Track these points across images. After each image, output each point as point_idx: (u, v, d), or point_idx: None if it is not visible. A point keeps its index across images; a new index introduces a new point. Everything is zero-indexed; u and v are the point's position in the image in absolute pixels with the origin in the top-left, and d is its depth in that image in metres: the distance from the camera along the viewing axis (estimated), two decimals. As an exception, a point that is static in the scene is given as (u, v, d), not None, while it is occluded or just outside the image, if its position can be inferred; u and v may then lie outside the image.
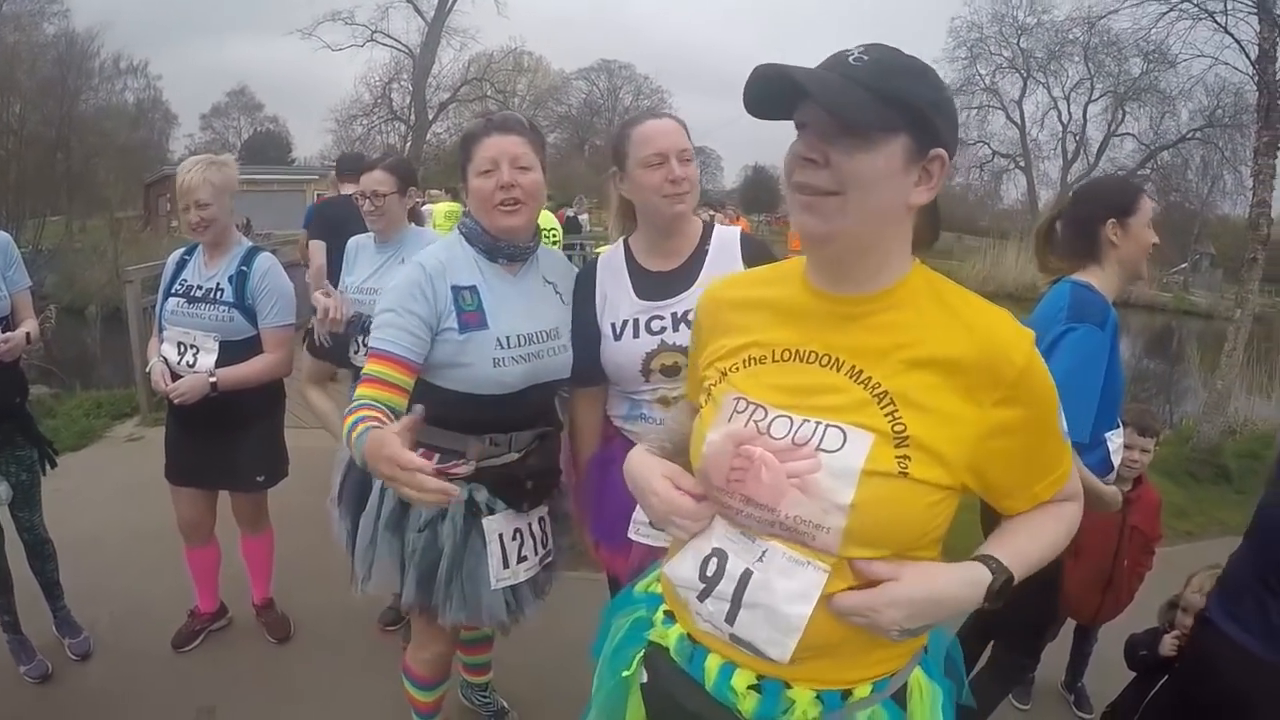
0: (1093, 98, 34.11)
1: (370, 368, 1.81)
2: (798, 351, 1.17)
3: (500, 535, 2.05)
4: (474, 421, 1.96)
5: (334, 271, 3.68)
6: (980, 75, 35.29)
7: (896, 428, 1.06)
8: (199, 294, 2.80)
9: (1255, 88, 7.41)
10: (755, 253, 2.03)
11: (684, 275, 2.00)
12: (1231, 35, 7.88)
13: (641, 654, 1.31)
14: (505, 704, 2.85)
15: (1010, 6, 33.34)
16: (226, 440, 2.88)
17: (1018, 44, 34.02)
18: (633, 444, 2.02)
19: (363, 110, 37.37)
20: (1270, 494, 1.90)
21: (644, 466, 1.28)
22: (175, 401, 2.74)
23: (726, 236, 2.06)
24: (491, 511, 2.04)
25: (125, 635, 3.19)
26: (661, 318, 1.97)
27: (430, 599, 2.06)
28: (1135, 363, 17.61)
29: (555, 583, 2.29)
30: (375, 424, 1.54)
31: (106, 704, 2.85)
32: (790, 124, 1.10)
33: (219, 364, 2.75)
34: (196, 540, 3.10)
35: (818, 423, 1.09)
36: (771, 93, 1.05)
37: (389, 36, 35.58)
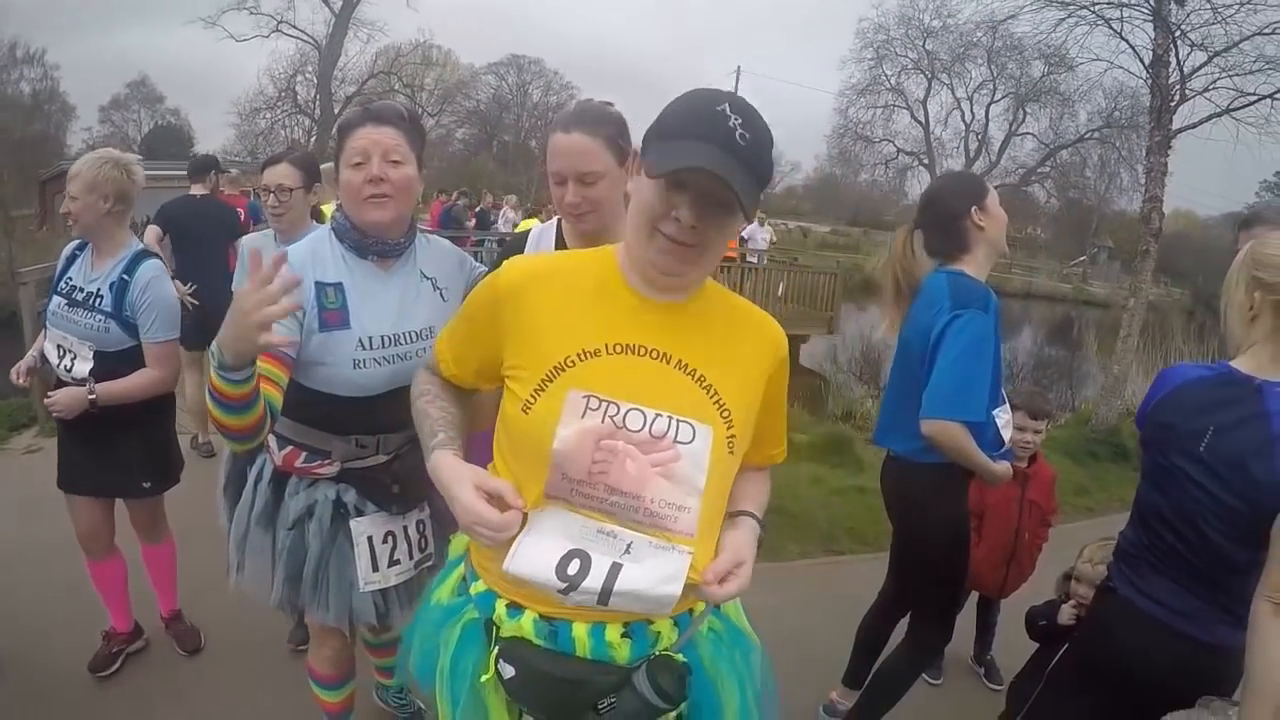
0: (995, 98, 35.27)
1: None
2: (629, 346, 1.29)
3: (369, 538, 2.00)
4: (336, 421, 1.92)
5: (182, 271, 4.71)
6: (886, 75, 36.15)
7: (724, 413, 1.28)
8: (79, 297, 2.64)
9: (1149, 90, 7.80)
10: None
11: None
12: (1127, 41, 8.26)
13: (494, 653, 1.31)
14: (422, 705, 2.79)
15: (916, 10, 34.18)
16: (112, 445, 2.75)
17: (923, 46, 34.86)
18: None
19: (266, 104, 36.25)
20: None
21: (452, 473, 1.28)
22: (53, 414, 2.64)
23: None
24: (360, 513, 1.99)
25: (33, 658, 3.02)
26: None
27: (298, 598, 2.02)
28: (1037, 350, 18.34)
29: None
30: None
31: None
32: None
33: (96, 374, 2.61)
34: (97, 553, 2.93)
35: (670, 417, 1.25)
36: (689, 150, 1.17)
37: (294, 27, 34.67)
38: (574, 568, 1.22)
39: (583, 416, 1.23)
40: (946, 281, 2.34)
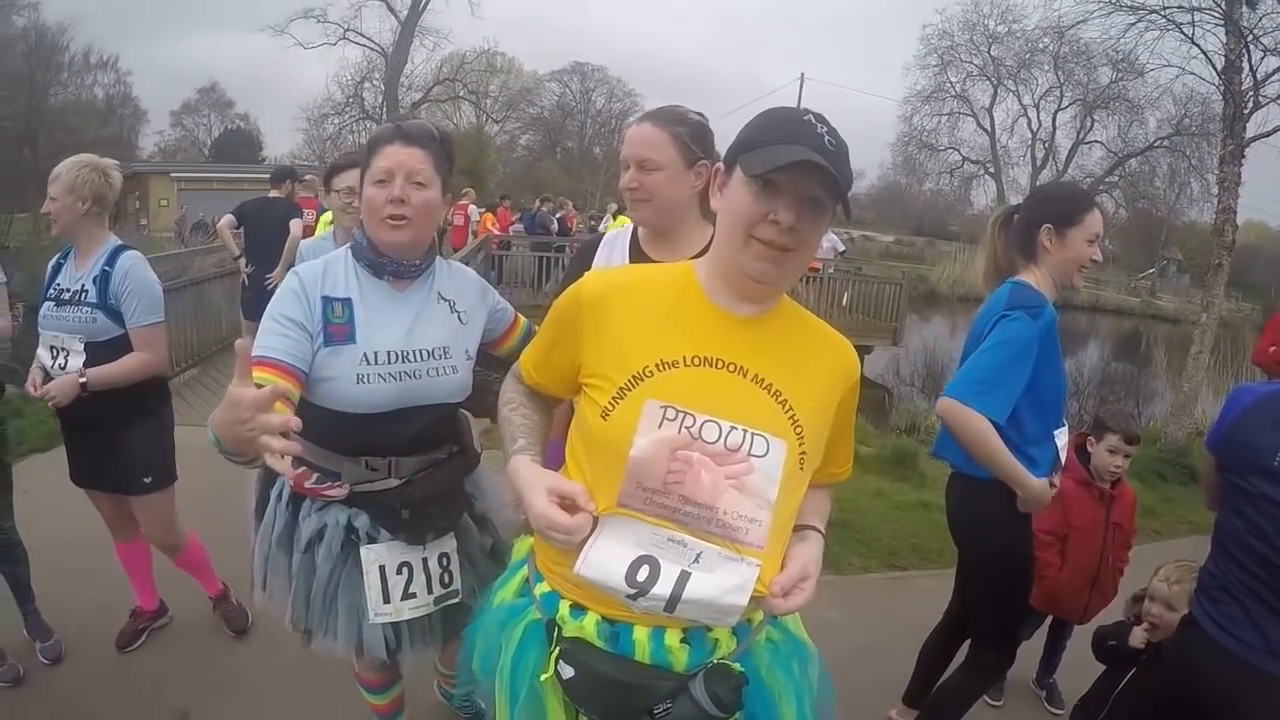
0: (1062, 105, 34.66)
1: (256, 375, 1.65)
2: (707, 359, 1.30)
3: (382, 567, 1.91)
4: (342, 440, 1.86)
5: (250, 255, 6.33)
6: (951, 82, 35.77)
7: (796, 429, 1.29)
8: (66, 296, 2.71)
9: (1221, 97, 7.57)
10: None
11: None
12: (1198, 46, 8.04)
13: (555, 653, 1.33)
14: (484, 705, 2.77)
15: (981, 15, 33.79)
16: (111, 441, 2.80)
17: (988, 52, 34.43)
18: None
19: (334, 109, 37.17)
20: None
21: (528, 478, 1.32)
22: (50, 404, 2.69)
23: None
24: (373, 540, 1.91)
25: (95, 638, 3.14)
26: None
27: (309, 622, 1.97)
28: (1104, 366, 17.87)
29: None
30: None
31: (79, 707, 2.80)
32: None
33: (89, 365, 2.67)
34: (122, 535, 3.06)
35: (745, 430, 1.26)
36: (782, 156, 1.20)
37: (362, 35, 35.45)
38: (643, 574, 1.25)
39: (660, 426, 1.25)
40: (1009, 290, 2.29)
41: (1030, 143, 35.91)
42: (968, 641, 2.67)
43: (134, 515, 2.98)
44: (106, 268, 2.71)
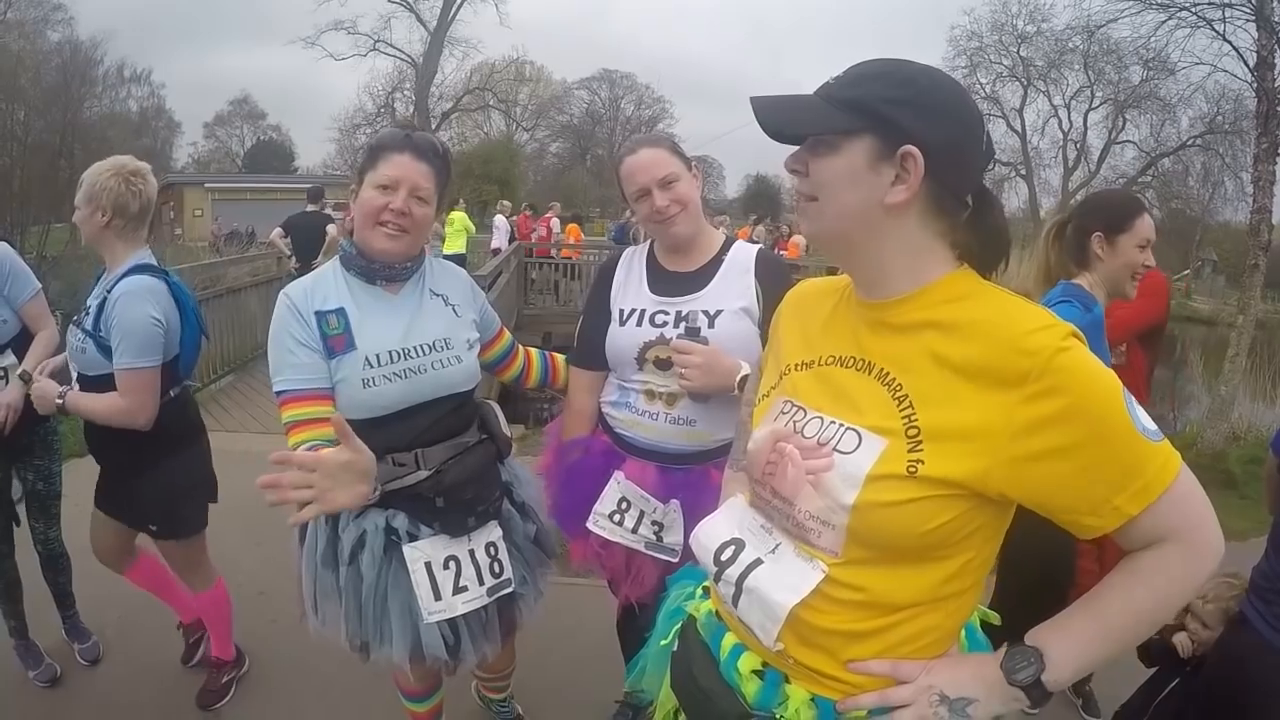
0: (1093, 105, 34.27)
1: (288, 414, 1.79)
2: (840, 358, 1.20)
3: (428, 564, 1.91)
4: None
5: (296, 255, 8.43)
6: (980, 84, 35.28)
7: (910, 430, 1.06)
8: (77, 315, 2.48)
9: (1254, 94, 7.44)
10: (769, 270, 2.11)
11: (695, 280, 2.09)
12: (1230, 43, 7.92)
13: (679, 625, 1.39)
14: (520, 711, 2.77)
15: (1010, 15, 33.46)
16: (123, 475, 2.58)
17: (1017, 53, 34.07)
18: (615, 433, 2.14)
19: (366, 119, 37.66)
20: None
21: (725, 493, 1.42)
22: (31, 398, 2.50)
23: (743, 252, 2.13)
24: (414, 538, 1.91)
25: (133, 641, 3.20)
26: (666, 313, 2.06)
27: (364, 635, 1.96)
28: (1138, 369, 17.56)
29: (560, 590, 2.25)
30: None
31: (115, 709, 2.85)
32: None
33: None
34: (114, 566, 2.85)
35: (839, 424, 1.13)
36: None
37: (391, 46, 36.01)
38: (728, 554, 1.23)
39: (775, 419, 1.23)
40: (1061, 288, 2.32)
41: (1062, 143, 35.60)
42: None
43: (126, 549, 2.82)
44: (108, 292, 2.40)
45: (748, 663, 1.22)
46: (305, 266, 7.82)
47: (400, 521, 1.91)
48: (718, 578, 1.23)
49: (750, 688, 1.20)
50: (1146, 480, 1.01)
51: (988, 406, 1.02)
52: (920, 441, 1.05)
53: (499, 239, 15.48)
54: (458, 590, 1.94)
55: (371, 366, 1.84)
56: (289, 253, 8.52)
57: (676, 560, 2.03)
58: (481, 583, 1.97)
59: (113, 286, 2.39)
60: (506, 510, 2.08)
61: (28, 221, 21.36)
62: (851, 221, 1.10)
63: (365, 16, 35.34)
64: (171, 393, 2.53)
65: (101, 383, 2.39)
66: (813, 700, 1.16)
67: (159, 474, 2.55)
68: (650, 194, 2.02)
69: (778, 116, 1.10)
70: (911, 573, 1.10)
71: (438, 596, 1.92)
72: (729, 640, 1.26)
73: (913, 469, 1.04)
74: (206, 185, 33.78)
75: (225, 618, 2.94)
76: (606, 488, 2.12)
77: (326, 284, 1.91)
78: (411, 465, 1.88)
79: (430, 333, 1.93)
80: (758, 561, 1.19)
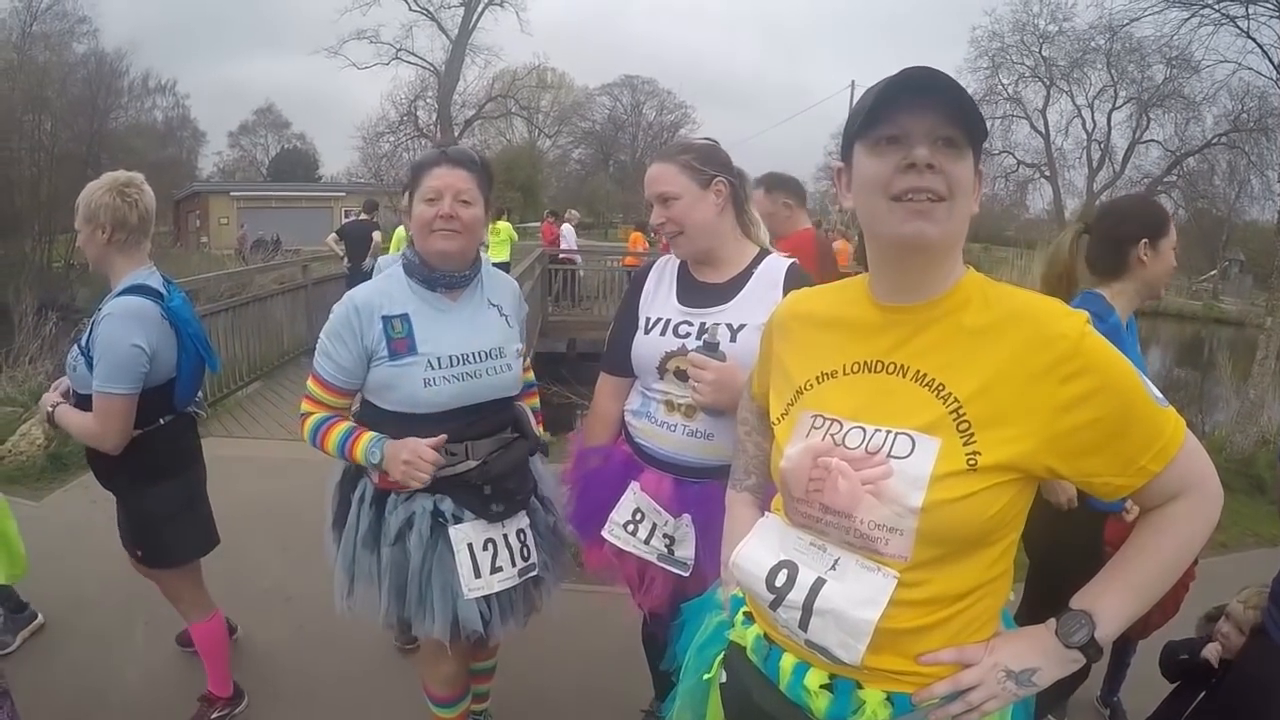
0: (1117, 105, 34.02)
1: (311, 388, 2.09)
2: (867, 364, 1.22)
3: (470, 545, 2.07)
4: (417, 436, 2.01)
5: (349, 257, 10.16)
6: (1003, 85, 35.21)
7: (962, 425, 1.11)
8: (79, 331, 2.42)
9: (1279, 90, 7.34)
10: (798, 286, 2.06)
11: (723, 292, 2.08)
12: (1254, 40, 7.87)
13: (721, 655, 1.39)
14: None
15: (1031, 15, 33.29)
16: (117, 496, 2.56)
17: (1040, 53, 33.89)
18: (635, 442, 2.17)
19: (389, 127, 37.96)
20: None
21: (732, 528, 1.45)
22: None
23: (774, 266, 2.10)
24: (458, 520, 2.07)
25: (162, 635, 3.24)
26: (690, 324, 2.06)
27: (404, 612, 2.10)
28: (1166, 371, 17.40)
29: (554, 597, 2.32)
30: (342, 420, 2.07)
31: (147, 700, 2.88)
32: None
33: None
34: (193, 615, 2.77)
35: (888, 431, 1.14)
36: (890, 96, 1.10)
37: (414, 54, 36.24)
38: (782, 579, 1.22)
39: (806, 436, 1.22)
40: (1080, 299, 2.32)
41: (1086, 144, 35.36)
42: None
43: (200, 601, 2.76)
44: (101, 308, 2.34)
45: (815, 678, 1.22)
46: (355, 266, 9.70)
47: (447, 505, 2.07)
48: (775, 604, 1.22)
49: (820, 703, 1.21)
50: (1165, 441, 1.12)
51: (1028, 390, 1.10)
52: (973, 434, 1.10)
53: (568, 243, 16.20)
54: (494, 570, 2.11)
55: (433, 368, 2.01)
56: (342, 254, 10.21)
57: (687, 575, 2.06)
58: (514, 564, 2.14)
59: (106, 305, 2.35)
60: (534, 502, 2.24)
61: (55, 230, 21.72)
62: (964, 224, 1.16)
63: (387, 25, 35.88)
64: (162, 420, 2.47)
65: (86, 404, 2.35)
66: (888, 699, 1.19)
67: (141, 500, 2.52)
68: (654, 208, 2.08)
69: (970, 106, 1.11)
70: (970, 562, 1.15)
71: (478, 574, 2.08)
72: (788, 661, 1.25)
73: (972, 461, 1.09)
74: (232, 194, 34.11)
75: (222, 652, 2.84)
76: (623, 497, 2.15)
77: (394, 289, 2.07)
78: (462, 455, 2.06)
79: (487, 341, 2.11)
80: (820, 582, 1.18)
